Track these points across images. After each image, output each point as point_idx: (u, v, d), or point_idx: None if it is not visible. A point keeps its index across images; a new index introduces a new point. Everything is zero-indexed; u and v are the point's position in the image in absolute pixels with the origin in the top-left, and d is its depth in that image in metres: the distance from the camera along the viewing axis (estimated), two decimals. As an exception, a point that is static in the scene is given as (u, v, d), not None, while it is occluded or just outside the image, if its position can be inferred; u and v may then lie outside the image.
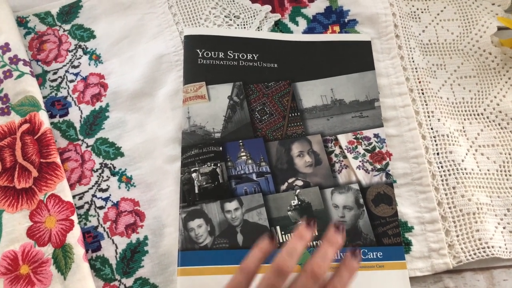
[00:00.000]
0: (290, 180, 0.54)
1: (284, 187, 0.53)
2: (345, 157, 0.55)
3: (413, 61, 0.60)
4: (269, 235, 0.41)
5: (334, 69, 0.59)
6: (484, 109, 0.59)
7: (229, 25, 0.63)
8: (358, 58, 0.60)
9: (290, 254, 0.39)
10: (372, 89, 0.58)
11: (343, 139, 0.56)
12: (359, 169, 0.54)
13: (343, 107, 0.58)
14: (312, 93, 0.58)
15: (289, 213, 0.52)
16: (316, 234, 0.51)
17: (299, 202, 0.52)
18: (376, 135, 0.56)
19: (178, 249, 0.50)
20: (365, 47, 0.61)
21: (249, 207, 0.52)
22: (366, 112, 0.57)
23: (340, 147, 0.56)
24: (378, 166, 0.55)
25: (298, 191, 0.53)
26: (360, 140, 0.56)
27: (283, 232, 0.51)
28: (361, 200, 0.53)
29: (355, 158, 0.55)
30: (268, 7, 0.63)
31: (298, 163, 0.55)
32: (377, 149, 0.55)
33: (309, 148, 0.55)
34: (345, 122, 0.57)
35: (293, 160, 0.55)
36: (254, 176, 0.54)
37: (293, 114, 0.57)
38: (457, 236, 0.52)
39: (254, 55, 0.59)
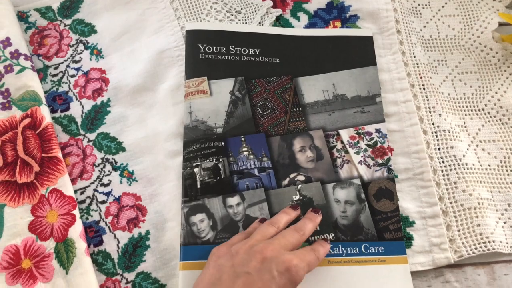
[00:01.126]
0: (291, 175, 0.54)
1: (285, 182, 0.53)
2: (346, 152, 0.55)
3: (415, 57, 0.60)
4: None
5: (336, 64, 0.59)
6: (485, 105, 0.59)
7: (230, 20, 0.63)
8: (360, 53, 0.60)
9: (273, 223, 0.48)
10: (373, 85, 0.58)
11: (345, 134, 0.56)
12: (361, 164, 0.54)
13: (345, 102, 0.58)
14: (314, 88, 0.58)
15: None
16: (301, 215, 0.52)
17: (301, 197, 0.53)
18: (377, 130, 0.56)
19: (180, 243, 0.50)
20: (367, 42, 0.61)
21: (251, 202, 0.52)
22: (367, 107, 0.57)
23: (342, 142, 0.56)
24: (380, 161, 0.55)
25: (299, 186, 0.53)
26: (362, 135, 0.56)
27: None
28: (363, 195, 0.53)
29: (357, 153, 0.55)
30: (269, 2, 0.63)
31: (299, 158, 0.55)
32: (379, 144, 0.56)
33: (310, 143, 0.55)
34: (347, 117, 0.57)
35: (295, 155, 0.55)
36: (255, 171, 0.54)
37: (295, 109, 0.57)
38: (458, 230, 0.52)
39: (256, 50, 0.59)
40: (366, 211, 0.52)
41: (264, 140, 0.55)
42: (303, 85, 0.58)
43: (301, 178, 0.54)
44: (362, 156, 0.55)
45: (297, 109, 0.57)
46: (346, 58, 0.60)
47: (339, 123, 0.57)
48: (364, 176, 0.54)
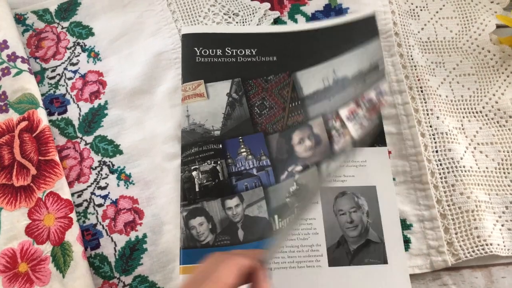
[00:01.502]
0: (289, 169, 0.54)
1: (284, 176, 0.53)
2: (345, 127, 0.55)
3: (412, 59, 0.60)
4: None
5: (336, 51, 0.58)
6: (483, 107, 0.59)
7: (228, 22, 0.62)
8: (362, 33, 0.59)
9: None
10: (375, 54, 0.57)
11: (344, 111, 0.55)
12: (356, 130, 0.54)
13: (346, 83, 0.57)
14: (313, 79, 0.58)
15: (287, 199, 0.52)
16: None
17: (298, 187, 0.52)
18: (378, 92, 0.55)
19: (180, 247, 0.50)
20: (370, 21, 0.60)
21: (249, 202, 0.52)
22: (369, 75, 0.57)
23: (341, 119, 0.55)
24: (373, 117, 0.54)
25: (297, 176, 0.53)
26: (361, 104, 0.55)
27: (280, 220, 0.51)
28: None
29: (355, 122, 0.55)
30: (267, 5, 0.63)
31: (298, 150, 0.55)
32: (375, 103, 0.55)
33: (309, 133, 0.55)
34: (347, 94, 0.56)
35: (294, 148, 0.55)
36: (254, 171, 0.54)
37: (293, 104, 0.57)
38: (456, 233, 0.52)
39: (252, 50, 0.59)
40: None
41: (263, 139, 0.55)
42: (301, 79, 0.58)
43: (298, 168, 0.53)
44: (357, 122, 0.54)
45: (296, 103, 0.57)
46: (348, 43, 0.59)
47: (339, 104, 0.56)
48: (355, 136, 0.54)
